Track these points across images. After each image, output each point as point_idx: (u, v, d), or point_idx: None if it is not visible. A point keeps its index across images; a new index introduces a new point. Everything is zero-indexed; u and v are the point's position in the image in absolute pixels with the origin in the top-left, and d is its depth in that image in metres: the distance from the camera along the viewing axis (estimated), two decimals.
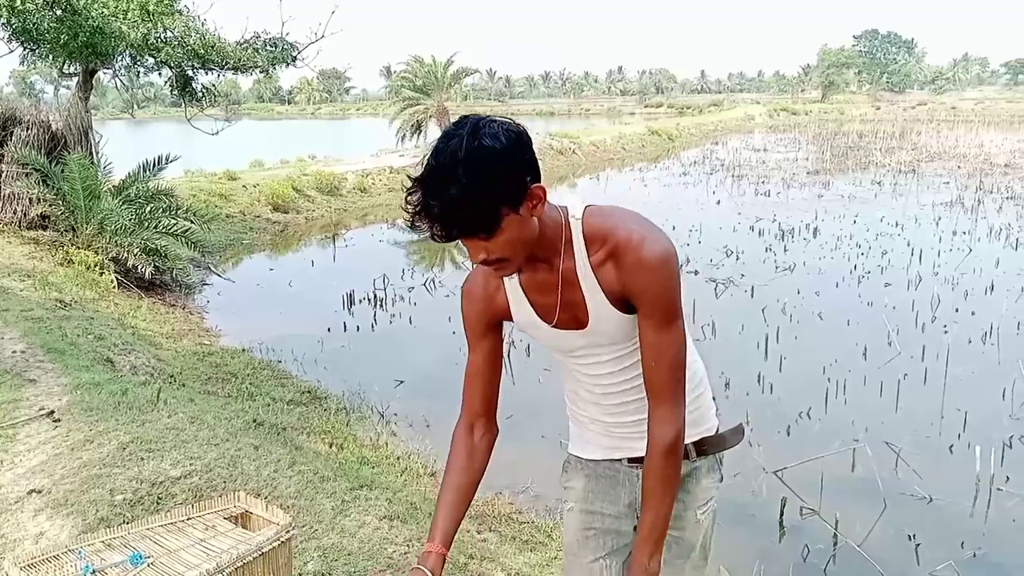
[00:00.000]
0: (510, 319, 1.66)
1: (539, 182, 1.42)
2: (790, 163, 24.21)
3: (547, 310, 1.60)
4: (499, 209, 1.38)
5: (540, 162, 1.46)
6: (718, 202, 16.52)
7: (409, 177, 1.41)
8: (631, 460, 1.74)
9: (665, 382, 1.53)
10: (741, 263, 10.66)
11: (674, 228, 12.97)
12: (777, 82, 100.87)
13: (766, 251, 11.41)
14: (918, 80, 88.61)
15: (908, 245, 11.43)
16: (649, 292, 1.49)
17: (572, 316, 1.58)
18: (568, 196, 1.67)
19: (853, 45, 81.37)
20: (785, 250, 11.48)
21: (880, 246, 11.55)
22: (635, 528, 1.77)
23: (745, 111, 53.60)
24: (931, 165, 22.66)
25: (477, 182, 1.34)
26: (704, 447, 1.73)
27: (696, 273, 10.10)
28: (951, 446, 5.34)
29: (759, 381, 6.44)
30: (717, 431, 1.77)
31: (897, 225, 13.25)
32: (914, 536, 4.28)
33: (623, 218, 1.53)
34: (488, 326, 1.66)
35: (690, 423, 1.68)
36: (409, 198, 1.38)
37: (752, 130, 42.55)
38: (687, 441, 1.70)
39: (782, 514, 4.50)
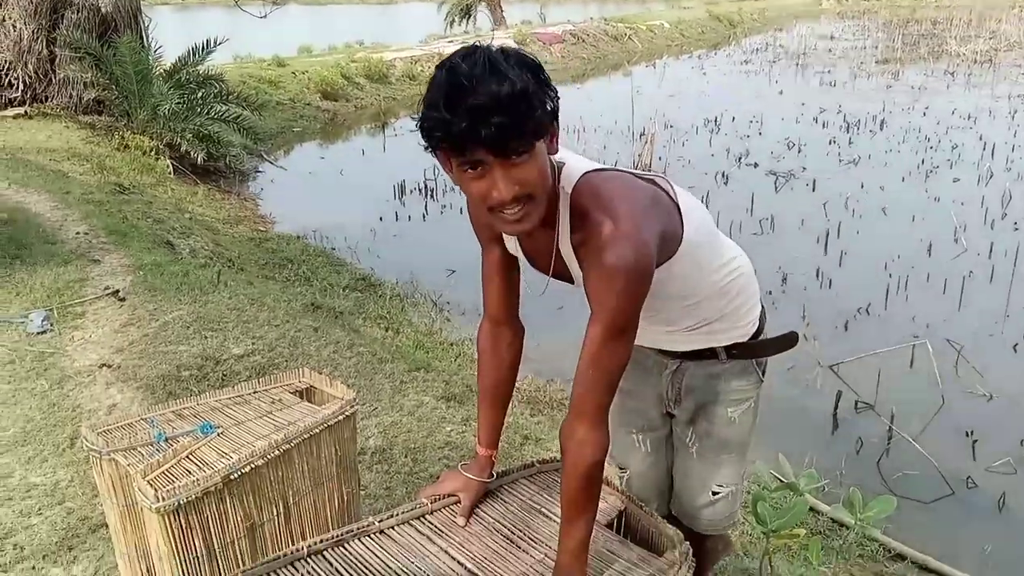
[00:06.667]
0: None
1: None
2: (858, 51, 22.95)
3: (537, 260, 1.52)
4: (549, 112, 1.26)
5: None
6: (781, 92, 15.83)
7: (434, 79, 1.29)
8: (658, 351, 1.76)
9: (592, 396, 1.37)
10: (803, 156, 10.28)
11: (733, 119, 12.54)
12: None
13: (830, 144, 10.97)
14: None
15: (980, 139, 10.87)
16: (600, 296, 1.32)
17: (562, 271, 1.51)
18: (568, 154, 1.42)
19: None
20: (850, 143, 11.02)
21: (950, 139, 10.99)
22: (664, 415, 1.84)
23: None
24: (1010, 55, 21.26)
25: (528, 74, 1.22)
26: (734, 351, 1.72)
27: (756, 166, 9.79)
28: (1015, 345, 5.21)
29: (818, 276, 6.30)
30: (755, 337, 1.74)
31: (970, 118, 12.56)
32: (972, 432, 4.22)
33: (612, 202, 1.33)
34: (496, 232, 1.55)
35: (723, 328, 1.68)
36: (438, 100, 1.25)
37: (819, 16, 40.21)
38: (719, 345, 1.70)
39: (836, 407, 4.47)
